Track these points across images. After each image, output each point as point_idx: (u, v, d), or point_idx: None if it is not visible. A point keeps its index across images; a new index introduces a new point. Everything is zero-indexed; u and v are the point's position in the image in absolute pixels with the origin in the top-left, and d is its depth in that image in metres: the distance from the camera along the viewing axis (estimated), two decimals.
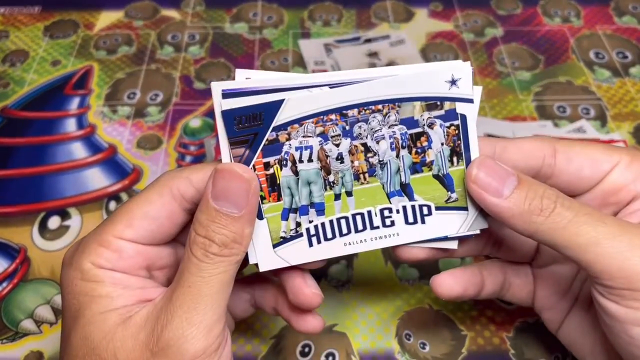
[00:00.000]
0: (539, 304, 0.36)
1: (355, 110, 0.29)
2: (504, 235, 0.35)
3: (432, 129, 0.30)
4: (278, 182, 0.29)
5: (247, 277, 0.36)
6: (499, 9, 0.67)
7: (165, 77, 0.59)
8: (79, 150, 0.52)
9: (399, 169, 0.30)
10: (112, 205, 0.49)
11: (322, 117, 0.29)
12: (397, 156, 0.30)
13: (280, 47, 0.62)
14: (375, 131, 0.29)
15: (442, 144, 0.30)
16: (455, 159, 0.30)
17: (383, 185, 0.30)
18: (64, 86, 0.58)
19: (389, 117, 0.29)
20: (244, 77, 0.28)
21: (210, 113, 0.55)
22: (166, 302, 0.27)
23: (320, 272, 0.44)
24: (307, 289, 0.31)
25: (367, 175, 0.30)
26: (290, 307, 0.33)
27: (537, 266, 0.36)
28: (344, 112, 0.29)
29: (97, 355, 0.27)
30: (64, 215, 0.48)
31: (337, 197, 0.30)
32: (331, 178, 0.30)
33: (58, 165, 0.51)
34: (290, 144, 0.29)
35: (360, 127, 0.29)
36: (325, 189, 0.30)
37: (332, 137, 0.29)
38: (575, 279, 0.34)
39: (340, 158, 0.29)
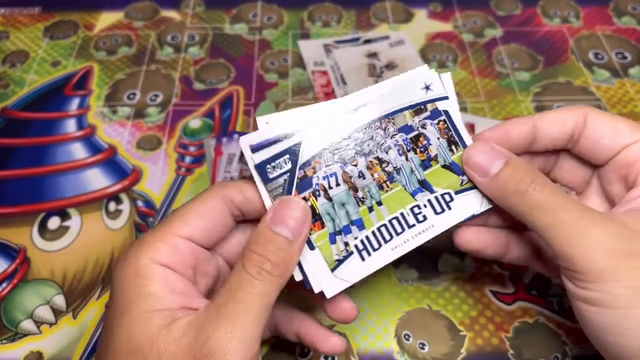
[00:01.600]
0: None
1: (360, 133, 0.33)
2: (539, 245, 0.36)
3: (425, 129, 0.34)
4: (317, 211, 0.32)
5: None
6: (499, 9, 0.67)
7: (165, 77, 0.59)
8: (78, 151, 0.52)
9: (412, 169, 0.33)
10: (112, 205, 0.49)
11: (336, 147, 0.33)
12: (407, 159, 0.33)
13: (280, 48, 0.62)
14: (382, 144, 0.33)
15: (439, 138, 0.34)
16: (453, 147, 0.34)
17: (405, 187, 0.33)
18: (64, 87, 0.58)
19: (388, 129, 0.33)
20: (264, 122, 0.32)
21: (210, 113, 0.55)
22: (212, 312, 0.28)
23: None
24: (346, 303, 0.33)
25: (388, 182, 0.33)
26: (315, 331, 0.34)
27: None
28: (351, 136, 0.33)
29: (142, 355, 0.27)
30: (64, 215, 0.48)
31: (370, 209, 0.33)
32: (360, 194, 0.33)
33: (58, 166, 0.51)
34: (317, 176, 0.32)
35: (368, 144, 0.33)
36: (359, 205, 0.33)
37: (349, 159, 0.33)
38: None
39: (361, 175, 0.33)
